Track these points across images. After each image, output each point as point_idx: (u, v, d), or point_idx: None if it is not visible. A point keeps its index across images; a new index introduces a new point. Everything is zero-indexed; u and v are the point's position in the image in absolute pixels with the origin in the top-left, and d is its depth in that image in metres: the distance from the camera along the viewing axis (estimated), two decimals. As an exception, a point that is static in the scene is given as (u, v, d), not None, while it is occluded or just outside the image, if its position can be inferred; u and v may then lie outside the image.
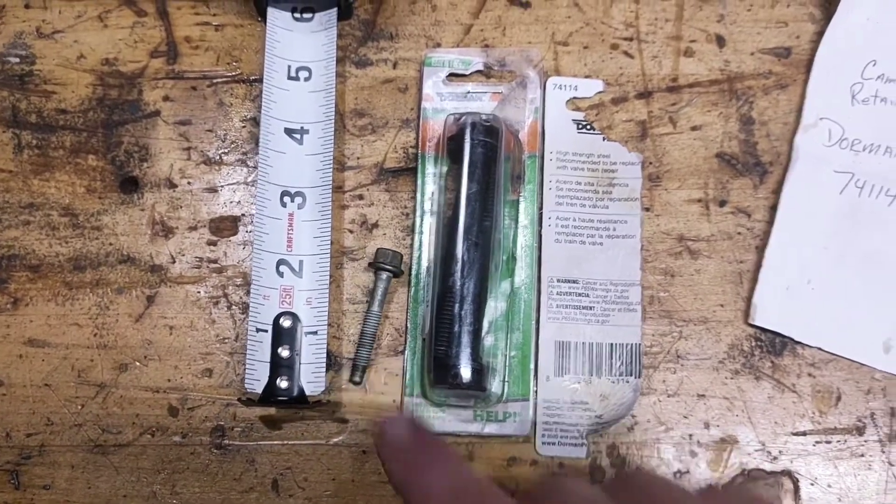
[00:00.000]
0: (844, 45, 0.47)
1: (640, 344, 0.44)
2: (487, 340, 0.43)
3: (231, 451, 0.44)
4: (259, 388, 0.42)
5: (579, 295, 0.45)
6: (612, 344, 0.44)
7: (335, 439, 0.44)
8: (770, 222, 0.46)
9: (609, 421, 0.44)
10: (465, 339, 0.41)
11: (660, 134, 0.47)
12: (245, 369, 0.43)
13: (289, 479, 0.44)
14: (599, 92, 0.48)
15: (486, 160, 0.43)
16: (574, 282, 0.45)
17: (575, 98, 0.48)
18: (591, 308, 0.45)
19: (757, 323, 0.44)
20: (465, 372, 0.41)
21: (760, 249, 0.45)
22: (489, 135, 0.44)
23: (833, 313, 0.44)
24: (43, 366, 0.46)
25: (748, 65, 0.48)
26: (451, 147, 0.45)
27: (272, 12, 0.48)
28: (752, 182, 0.47)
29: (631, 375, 0.44)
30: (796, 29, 0.48)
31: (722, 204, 0.46)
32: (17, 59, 0.49)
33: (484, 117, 0.44)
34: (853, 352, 0.44)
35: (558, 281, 0.45)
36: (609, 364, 0.44)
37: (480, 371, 0.41)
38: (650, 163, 0.47)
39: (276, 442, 0.44)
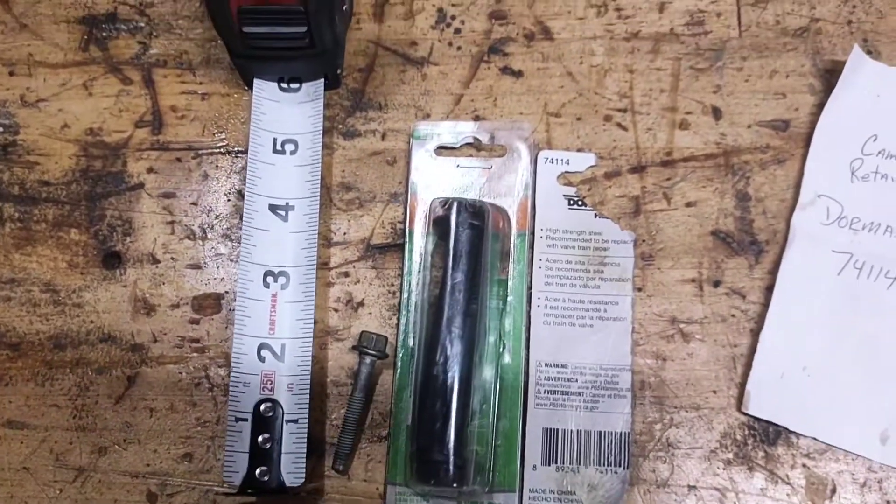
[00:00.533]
0: (845, 119, 0.46)
1: (629, 433, 0.43)
2: (472, 427, 0.42)
3: (211, 538, 0.43)
4: (238, 478, 0.41)
5: (568, 380, 0.44)
6: (600, 432, 0.43)
7: (317, 528, 0.43)
8: (765, 304, 0.44)
9: (598, 511, 0.42)
10: (448, 435, 0.40)
11: (653, 210, 0.46)
12: (224, 459, 0.42)
13: (269, 569, 0.43)
14: (592, 166, 0.47)
15: (472, 245, 0.42)
16: (563, 366, 0.44)
17: (566, 172, 0.47)
18: (579, 394, 0.44)
19: (751, 412, 0.43)
20: (448, 469, 0.40)
21: (755, 333, 0.44)
22: (475, 217, 0.43)
23: (828, 402, 0.43)
24: (21, 448, 0.45)
25: (745, 138, 0.47)
26: (437, 230, 0.43)
27: (258, 83, 0.47)
28: (748, 261, 0.45)
29: (619, 466, 0.43)
30: (795, 101, 0.47)
31: (716, 284, 0.45)
32: (1, 129, 0.49)
33: (470, 201, 0.43)
34: (849, 442, 0.43)
35: (546, 365, 0.44)
36: (597, 453, 0.43)
37: (463, 467, 0.40)
38: (643, 240, 0.46)
39: (256, 530, 0.43)
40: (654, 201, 0.46)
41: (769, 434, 0.43)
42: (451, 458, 0.40)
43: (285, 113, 0.47)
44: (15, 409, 0.45)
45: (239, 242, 0.46)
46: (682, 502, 0.43)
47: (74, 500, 0.44)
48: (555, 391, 0.44)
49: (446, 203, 0.43)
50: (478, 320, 0.42)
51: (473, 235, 0.42)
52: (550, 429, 0.43)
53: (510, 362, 0.44)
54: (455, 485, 0.40)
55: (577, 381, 0.44)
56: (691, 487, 0.43)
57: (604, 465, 0.43)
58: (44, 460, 0.44)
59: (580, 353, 0.44)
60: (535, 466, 0.43)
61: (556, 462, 0.43)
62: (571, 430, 0.43)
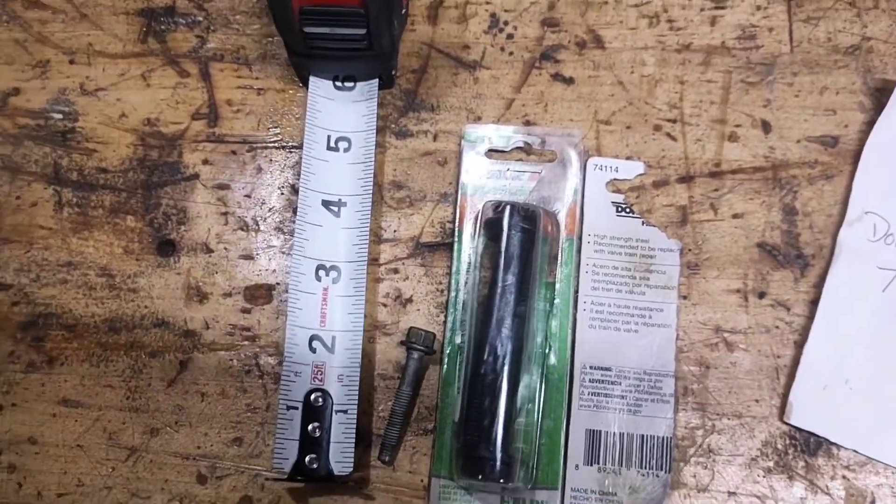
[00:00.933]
0: (894, 137, 0.46)
1: (671, 437, 0.44)
2: (517, 425, 0.43)
3: (257, 523, 0.44)
4: (287, 465, 0.42)
5: (612, 383, 0.45)
6: (643, 435, 0.44)
7: (361, 517, 0.44)
8: (810, 317, 0.45)
9: (637, 513, 0.43)
10: (495, 431, 0.41)
11: (700, 220, 0.47)
12: (274, 446, 0.43)
13: (313, 556, 0.44)
14: (640, 174, 0.47)
15: (524, 248, 0.43)
16: (607, 369, 0.45)
17: (615, 180, 0.47)
18: (623, 397, 0.44)
19: (792, 422, 0.43)
20: (494, 464, 0.41)
21: (799, 345, 0.45)
22: (527, 221, 0.43)
23: (870, 415, 0.43)
24: (76, 426, 0.46)
25: (794, 152, 0.47)
26: (488, 233, 0.44)
27: (314, 81, 0.48)
28: (793, 274, 0.46)
29: (661, 469, 0.43)
30: (845, 118, 0.47)
31: (761, 296, 0.46)
32: (60, 116, 0.50)
33: (522, 204, 0.44)
34: (890, 456, 0.43)
35: (591, 368, 0.45)
36: (640, 456, 0.44)
37: (510, 464, 0.41)
38: (689, 249, 0.46)
39: (301, 517, 0.44)
40: (701, 211, 0.47)
41: (810, 445, 0.44)
42: (498, 454, 0.41)
43: (339, 111, 0.48)
44: (70, 388, 0.46)
45: (291, 235, 0.47)
46: (721, 508, 0.43)
47: (126, 479, 0.45)
48: (598, 393, 0.44)
49: (499, 206, 0.44)
50: (526, 321, 0.43)
51: (525, 239, 0.43)
52: (593, 430, 0.44)
53: (556, 363, 0.44)
54: (501, 480, 0.41)
55: (620, 384, 0.44)
56: (731, 494, 0.43)
57: (645, 467, 0.43)
58: (97, 439, 0.46)
59: (624, 358, 0.45)
60: (577, 466, 0.44)
61: (599, 463, 0.44)
62: (614, 433, 0.44)
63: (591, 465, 0.44)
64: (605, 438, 0.44)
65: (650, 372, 0.45)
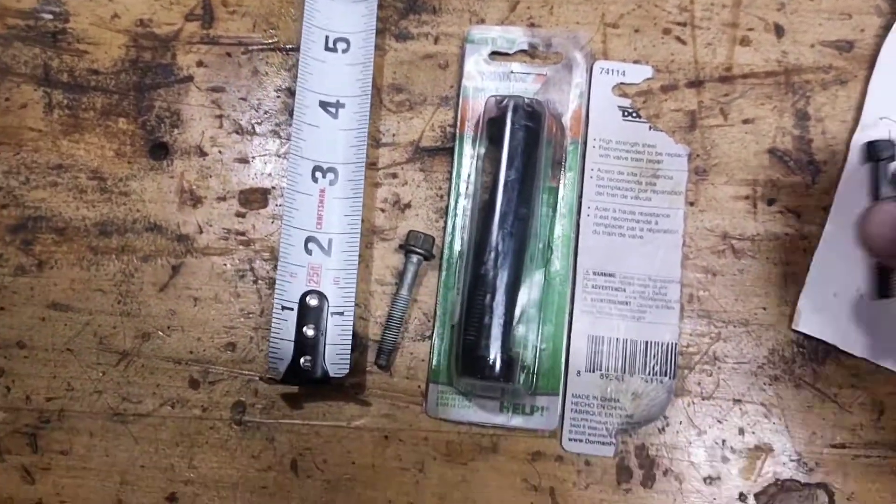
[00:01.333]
0: (911, 41, 0.44)
1: (676, 343, 0.42)
2: (518, 331, 0.41)
3: (251, 427, 0.43)
4: (282, 366, 0.41)
5: (615, 289, 0.43)
6: (647, 342, 0.43)
7: (357, 422, 0.43)
8: (820, 224, 0.43)
9: (640, 421, 0.42)
10: (496, 330, 0.40)
11: (709, 126, 0.45)
12: (269, 347, 0.42)
13: (308, 460, 0.43)
14: (648, 78, 0.45)
15: (527, 146, 0.41)
16: (611, 275, 0.43)
17: (622, 84, 0.45)
18: (626, 303, 0.43)
19: (801, 329, 0.42)
20: (495, 363, 0.39)
21: (808, 252, 0.43)
22: (531, 119, 0.42)
23: (881, 323, 0.42)
24: (65, 330, 0.45)
25: (807, 57, 0.45)
26: (491, 130, 0.43)
27: (313, -21, 0.46)
28: (804, 181, 0.44)
29: (665, 376, 0.42)
30: (860, 22, 0.46)
31: (770, 202, 0.44)
32: (51, 16, 0.48)
33: (527, 100, 0.42)
34: (899, 364, 0.42)
35: (594, 273, 0.43)
36: (643, 362, 0.42)
37: (510, 363, 0.40)
38: (697, 155, 0.45)
39: (297, 421, 0.43)
40: (710, 117, 0.45)
41: (818, 353, 0.42)
42: (498, 353, 0.39)
43: (338, 11, 0.46)
44: (59, 291, 0.45)
45: (287, 139, 0.46)
46: (727, 415, 0.42)
47: (117, 383, 0.44)
48: (602, 300, 0.43)
49: (502, 101, 0.42)
50: (528, 223, 0.41)
51: (529, 135, 0.41)
52: (595, 336, 0.43)
53: (559, 269, 0.43)
54: (501, 380, 0.39)
55: (624, 290, 0.43)
56: (736, 401, 0.42)
57: (649, 374, 0.42)
58: (87, 343, 0.44)
59: (629, 264, 0.43)
60: (578, 372, 0.42)
61: (601, 369, 0.42)
62: (617, 339, 0.43)
63: (594, 371, 0.42)
64: (609, 344, 0.43)
65: (655, 279, 0.43)
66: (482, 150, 0.44)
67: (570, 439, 0.42)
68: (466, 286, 0.41)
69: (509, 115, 0.41)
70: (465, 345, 0.40)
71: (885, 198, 0.41)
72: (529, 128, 0.42)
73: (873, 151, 0.42)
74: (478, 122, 0.45)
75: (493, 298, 0.40)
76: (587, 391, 0.42)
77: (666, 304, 0.43)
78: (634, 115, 0.45)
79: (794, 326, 0.42)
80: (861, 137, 0.43)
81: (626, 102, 0.45)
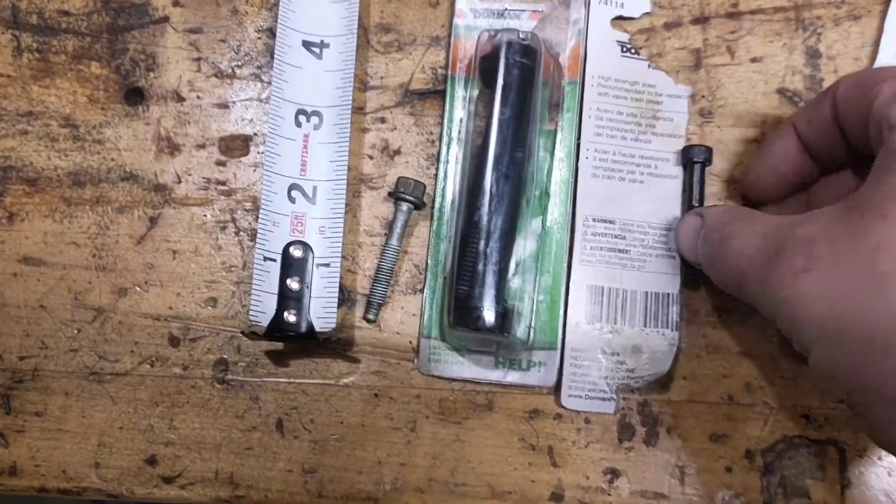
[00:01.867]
0: (930, -27, 0.41)
1: (678, 294, 0.40)
2: (514, 282, 0.39)
3: (234, 386, 0.41)
4: (265, 320, 0.39)
5: (615, 237, 0.41)
6: (647, 292, 0.40)
7: (345, 380, 0.41)
8: (832, 168, 0.41)
9: (641, 376, 0.40)
10: (490, 279, 0.37)
11: (715, 65, 0.42)
12: (251, 300, 0.39)
13: (294, 420, 0.41)
14: (646, 13, 0.43)
15: (522, 83, 0.39)
16: (610, 222, 0.41)
17: (620, 17, 0.43)
18: (626, 252, 0.41)
19: (812, 277, 0.39)
20: (488, 314, 0.37)
21: (820, 197, 0.41)
22: (526, 55, 0.39)
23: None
24: (38, 286, 0.42)
25: (819, -9, 0.43)
26: (484, 67, 0.40)
27: (294, -89, 0.43)
28: (816, 122, 0.41)
29: (667, 328, 0.40)
30: (877, -47, 0.43)
31: (780, 145, 0.41)
32: (18, -45, 0.45)
33: (521, 36, 0.39)
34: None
35: (593, 220, 0.41)
36: (643, 314, 0.40)
37: (505, 314, 0.37)
38: (702, 96, 0.42)
39: (282, 379, 0.41)
40: (716, 55, 0.42)
41: (829, 302, 0.40)
42: (492, 302, 0.37)
43: (323, -54, 0.43)
44: (31, 245, 0.42)
45: (269, 83, 0.43)
46: (733, 370, 0.40)
47: (93, 341, 0.42)
48: (601, 248, 0.41)
49: (495, 37, 0.39)
50: (524, 167, 0.39)
51: (524, 72, 0.39)
52: (595, 286, 0.40)
53: (557, 216, 0.41)
54: (496, 331, 0.37)
55: (624, 238, 0.41)
56: (743, 354, 0.40)
57: (650, 326, 0.40)
58: (61, 299, 0.42)
59: (629, 210, 0.41)
60: (577, 325, 0.40)
61: (600, 321, 0.40)
62: (617, 289, 0.40)
63: (592, 324, 0.40)
64: (609, 295, 0.40)
65: (655, 225, 0.41)
66: (475, 93, 0.41)
67: (568, 395, 0.40)
68: (459, 234, 0.39)
69: (503, 50, 0.39)
70: (458, 295, 0.38)
71: (695, 207, 0.39)
72: (524, 64, 0.39)
73: (688, 155, 0.40)
74: (470, 62, 0.42)
75: (486, 245, 0.37)
76: (586, 345, 0.40)
77: (667, 253, 0.40)
78: (633, 51, 0.42)
79: (804, 275, 0.40)
80: (877, 74, 0.41)
81: (625, 37, 0.42)
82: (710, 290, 0.40)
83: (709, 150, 0.40)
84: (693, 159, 0.40)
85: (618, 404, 0.40)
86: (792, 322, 0.30)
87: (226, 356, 0.41)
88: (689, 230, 0.37)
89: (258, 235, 0.40)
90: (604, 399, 0.40)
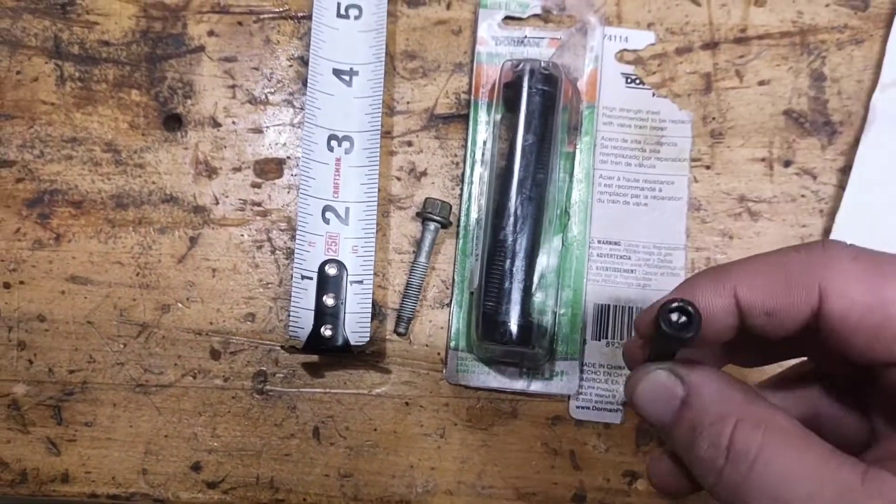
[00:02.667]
0: (928, -1, 0.43)
1: (692, 307, 0.42)
2: (537, 297, 0.41)
3: (272, 396, 0.43)
4: (303, 335, 0.41)
5: (621, 257, 0.43)
6: (656, 308, 0.42)
7: (378, 390, 0.43)
8: (838, 185, 0.43)
9: (656, 384, 0.42)
10: (515, 296, 0.39)
11: (725, 88, 0.44)
12: (289, 316, 0.41)
13: (330, 428, 0.43)
14: (651, 44, 0.45)
15: (544, 110, 0.41)
16: (616, 243, 0.43)
17: (625, 50, 0.45)
18: (632, 271, 0.43)
19: (819, 290, 0.41)
20: (514, 328, 0.39)
21: (825, 214, 0.43)
22: (548, 83, 0.41)
23: None
24: (85, 303, 0.44)
25: (822, 17, 0.45)
26: (507, 94, 0.42)
27: (323, -54, 0.45)
28: (820, 142, 0.44)
29: (681, 339, 0.42)
30: (877, -20, 0.45)
31: (787, 164, 0.43)
32: (60, -13, 0.47)
33: (543, 64, 0.41)
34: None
35: (599, 242, 0.43)
36: (655, 327, 0.42)
37: (529, 328, 0.39)
38: (713, 118, 0.44)
39: (317, 390, 0.43)
40: (725, 78, 0.44)
41: (834, 313, 0.42)
42: (518, 318, 0.39)
43: (350, -23, 0.45)
44: (78, 264, 0.45)
45: (301, 108, 0.45)
46: (746, 377, 0.42)
47: (139, 354, 0.44)
48: (607, 268, 0.43)
49: (518, 66, 0.41)
50: (546, 188, 0.41)
51: (545, 99, 0.41)
52: (602, 304, 0.42)
53: (576, 234, 0.43)
54: (520, 344, 0.39)
55: (630, 258, 0.43)
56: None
57: (663, 338, 0.42)
58: (108, 315, 0.44)
59: (634, 231, 0.43)
60: (585, 341, 0.42)
61: (607, 337, 0.42)
62: (623, 307, 0.42)
63: (600, 339, 0.42)
64: (614, 313, 0.42)
65: (660, 245, 0.43)
66: (498, 117, 0.43)
67: (577, 407, 0.42)
68: (485, 252, 0.41)
69: (525, 79, 0.41)
70: (485, 311, 0.40)
71: (659, 360, 0.28)
72: (546, 92, 0.41)
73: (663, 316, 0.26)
74: (492, 87, 0.44)
75: (512, 264, 0.40)
76: (595, 359, 0.42)
77: (671, 272, 0.43)
78: (638, 81, 0.44)
79: (811, 288, 0.42)
80: (880, 97, 0.43)
81: (630, 69, 0.44)
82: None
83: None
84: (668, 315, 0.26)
85: (624, 414, 0.42)
86: None
87: (264, 368, 0.43)
88: (660, 397, 0.27)
89: (296, 255, 0.42)
90: (610, 409, 0.42)
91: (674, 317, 0.25)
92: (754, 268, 0.26)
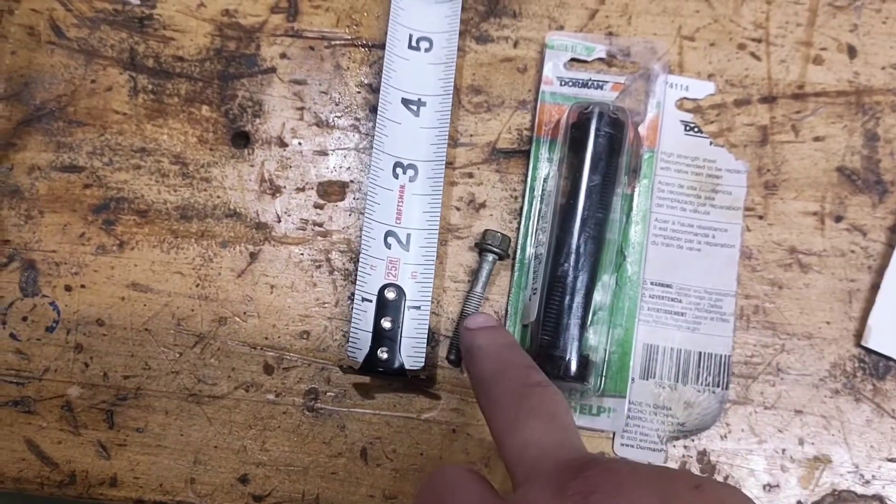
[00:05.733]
0: (982, 68, 0.44)
1: (729, 355, 0.42)
2: (589, 333, 0.41)
3: (323, 414, 0.43)
4: (360, 356, 0.41)
5: (672, 300, 0.43)
6: (700, 353, 0.42)
7: (426, 415, 0.43)
8: (887, 243, 0.43)
9: (691, 430, 0.42)
10: (573, 331, 0.40)
11: (780, 141, 0.45)
12: (348, 337, 0.42)
13: (378, 449, 0.43)
14: (710, 94, 0.45)
15: (609, 152, 0.41)
16: (668, 286, 0.43)
17: (685, 98, 0.45)
18: (682, 314, 0.43)
19: (871, 346, 0.42)
20: (572, 364, 0.39)
21: (874, 270, 0.43)
22: (614, 126, 0.42)
23: (943, 343, 0.42)
24: (144, 310, 0.45)
25: (878, 79, 0.45)
26: (574, 134, 0.42)
27: (398, -21, 0.46)
28: (872, 200, 0.44)
29: (718, 386, 0.42)
30: (933, 46, 0.45)
31: (838, 219, 0.44)
32: (138, 2, 0.48)
33: (611, 108, 0.42)
34: (959, 384, 0.42)
35: (652, 284, 0.43)
36: (696, 372, 0.42)
37: (586, 364, 0.40)
38: (768, 170, 0.44)
39: (367, 411, 0.43)
40: (782, 132, 0.45)
41: (879, 369, 0.42)
42: (574, 353, 0.39)
43: (422, 11, 0.46)
44: (140, 272, 0.45)
45: (366, 134, 0.46)
46: (788, 425, 0.42)
47: (193, 364, 0.44)
48: (658, 309, 0.43)
49: (587, 108, 0.42)
50: (606, 227, 0.41)
51: (611, 142, 0.41)
52: (651, 345, 0.43)
53: (630, 274, 0.43)
54: (577, 380, 0.39)
55: (681, 301, 0.43)
56: (797, 412, 0.42)
57: (702, 384, 0.42)
58: (165, 324, 0.44)
59: (686, 276, 0.43)
60: (633, 380, 0.42)
61: (655, 377, 0.42)
62: (672, 349, 0.43)
63: (647, 379, 0.42)
64: (663, 354, 0.43)
65: (710, 291, 0.43)
66: (561, 155, 0.43)
67: (621, 444, 0.42)
68: (544, 286, 0.41)
69: (594, 121, 0.41)
70: (542, 344, 0.40)
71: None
72: (612, 135, 0.41)
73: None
74: (555, 125, 0.44)
75: (571, 300, 0.40)
76: (641, 398, 0.42)
77: (721, 317, 0.43)
78: (696, 129, 0.45)
79: (863, 343, 0.42)
80: (932, 161, 0.43)
81: (689, 117, 0.45)
82: (776, 349, 0.43)
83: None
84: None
85: (666, 455, 0.42)
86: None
87: (316, 386, 0.44)
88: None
89: (357, 278, 0.42)
90: (654, 449, 0.42)
91: None
92: None
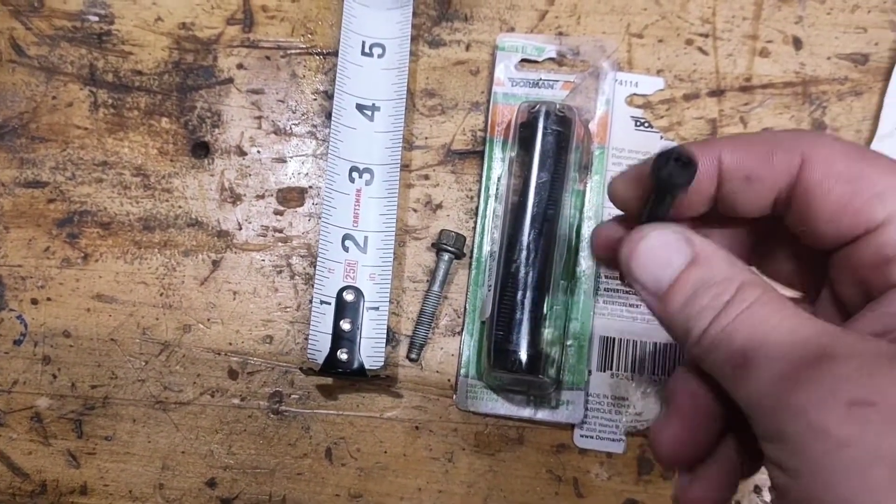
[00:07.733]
0: (924, 55, 0.45)
1: (695, 342, 0.43)
2: (546, 327, 0.42)
3: (287, 417, 0.44)
4: (320, 358, 0.42)
5: (627, 292, 0.44)
6: (656, 343, 0.43)
7: (389, 413, 0.44)
8: (835, 230, 0.44)
9: (649, 419, 0.43)
10: (525, 326, 0.40)
11: (730, 133, 0.45)
12: (307, 339, 0.42)
13: (342, 449, 0.43)
14: (660, 90, 0.46)
15: (557, 150, 0.42)
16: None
17: (635, 94, 0.46)
18: (637, 306, 0.44)
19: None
20: (524, 357, 0.40)
21: (823, 256, 0.44)
22: (562, 124, 0.42)
23: None
24: (110, 321, 0.45)
25: (824, 69, 0.46)
26: (523, 134, 0.43)
27: (350, -13, 0.46)
28: (820, 188, 0.45)
29: (683, 373, 0.43)
30: (875, 36, 0.46)
31: (787, 208, 0.45)
32: (97, 18, 0.48)
33: (558, 106, 0.42)
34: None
35: (606, 277, 0.44)
36: (652, 362, 0.43)
37: (538, 358, 0.40)
38: (718, 162, 0.45)
39: (331, 411, 0.44)
40: (730, 125, 0.46)
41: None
42: (525, 346, 0.40)
43: (375, 18, 0.47)
44: (104, 283, 0.45)
45: (323, 140, 0.46)
46: (743, 411, 0.43)
47: (159, 372, 0.44)
48: (614, 302, 0.44)
49: (534, 107, 0.42)
50: (557, 224, 0.42)
51: (559, 139, 0.42)
52: (607, 337, 0.43)
53: (584, 269, 0.44)
54: (529, 373, 0.40)
55: (635, 293, 0.44)
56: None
57: (658, 373, 0.43)
58: (131, 333, 0.45)
59: (646, 267, 0.44)
60: (590, 372, 0.43)
61: (612, 369, 0.43)
62: (628, 340, 0.43)
63: (605, 371, 0.43)
64: (619, 345, 0.43)
65: (671, 281, 0.44)
66: (512, 154, 0.44)
67: (581, 435, 0.43)
68: (498, 283, 0.42)
69: (541, 119, 0.42)
70: (496, 340, 0.41)
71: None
72: (560, 132, 0.42)
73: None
74: (507, 126, 0.45)
75: (523, 295, 0.40)
76: (598, 390, 0.43)
77: (683, 305, 0.43)
78: (646, 124, 0.46)
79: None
80: (878, 147, 0.44)
81: (639, 112, 0.46)
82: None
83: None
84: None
85: (626, 444, 0.43)
86: (813, 462, 0.20)
87: (280, 389, 0.44)
88: (662, 257, 0.25)
89: (315, 281, 0.43)
90: (613, 440, 0.43)
91: (669, 165, 0.24)
92: (743, 138, 0.27)
